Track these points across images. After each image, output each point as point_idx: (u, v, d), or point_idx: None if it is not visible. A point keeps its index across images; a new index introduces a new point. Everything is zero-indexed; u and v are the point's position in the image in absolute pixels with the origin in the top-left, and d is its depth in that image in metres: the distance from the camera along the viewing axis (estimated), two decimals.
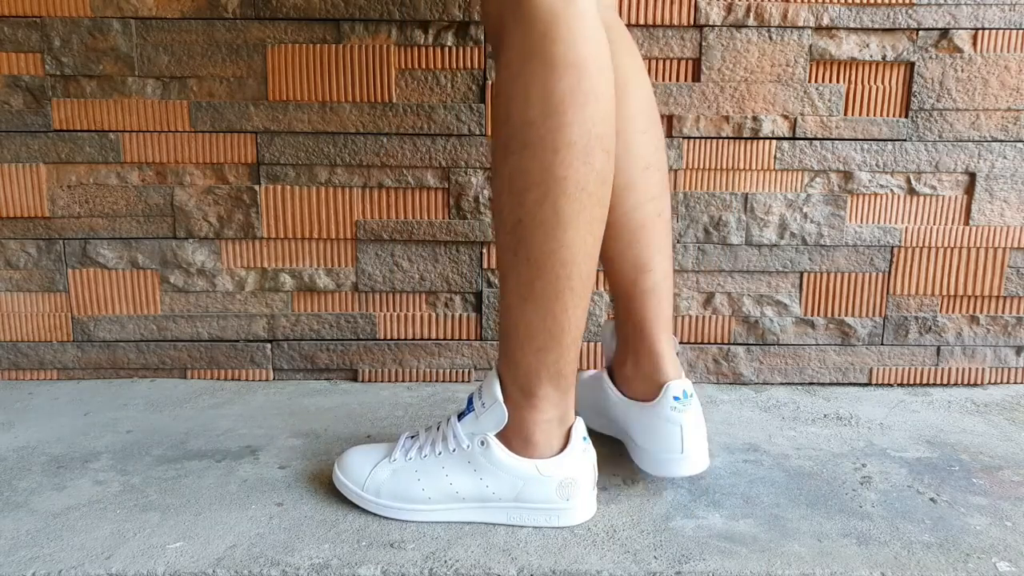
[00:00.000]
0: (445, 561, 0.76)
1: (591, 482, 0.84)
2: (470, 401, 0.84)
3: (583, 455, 0.83)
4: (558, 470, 0.81)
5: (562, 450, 0.82)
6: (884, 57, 1.18)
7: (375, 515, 0.84)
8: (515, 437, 0.81)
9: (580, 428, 0.84)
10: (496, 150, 0.77)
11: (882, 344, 1.27)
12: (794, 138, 1.21)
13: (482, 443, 0.81)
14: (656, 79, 1.19)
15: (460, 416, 0.84)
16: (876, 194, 1.23)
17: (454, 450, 0.83)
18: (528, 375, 0.80)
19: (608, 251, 0.91)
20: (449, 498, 0.82)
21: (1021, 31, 1.17)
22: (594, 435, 0.92)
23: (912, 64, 1.19)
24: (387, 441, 1.04)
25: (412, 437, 0.87)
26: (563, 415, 0.83)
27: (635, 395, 0.93)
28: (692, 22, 1.17)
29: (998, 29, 1.17)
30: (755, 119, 1.20)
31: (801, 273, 1.25)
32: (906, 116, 1.20)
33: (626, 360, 0.96)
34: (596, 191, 0.75)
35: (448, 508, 0.83)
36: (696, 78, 1.19)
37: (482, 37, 1.18)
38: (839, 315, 1.26)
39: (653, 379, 0.91)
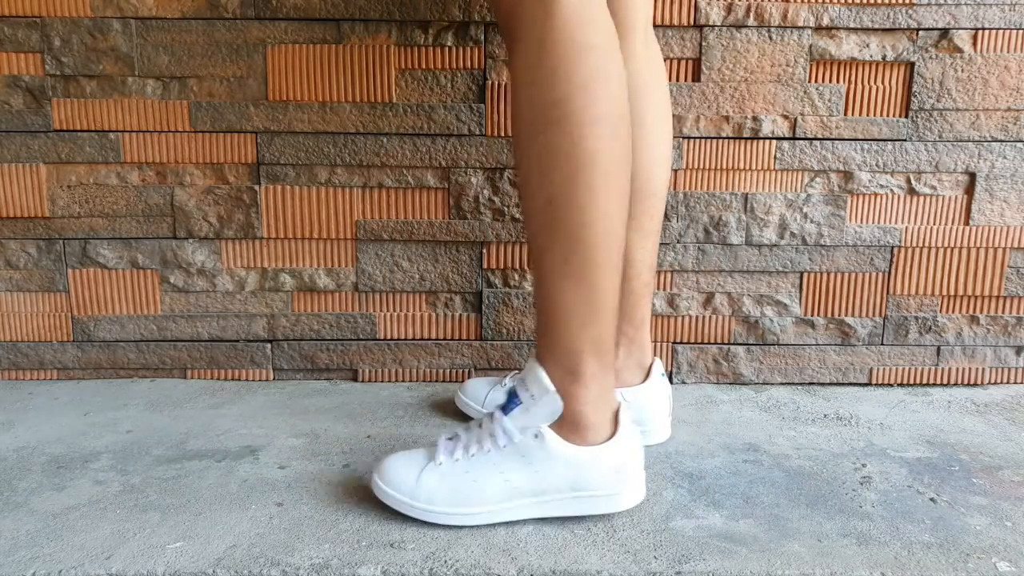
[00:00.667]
0: (445, 561, 0.76)
1: (641, 463, 0.84)
2: (512, 395, 0.82)
3: (633, 437, 0.83)
4: (613, 455, 0.82)
5: (613, 434, 0.82)
6: (884, 57, 1.18)
7: (421, 521, 0.81)
8: (565, 423, 0.81)
9: (626, 410, 0.84)
10: (521, 134, 0.78)
11: (882, 344, 1.27)
12: (794, 138, 1.21)
13: (535, 435, 0.80)
14: None
15: (504, 410, 0.82)
16: (876, 194, 1.23)
17: (504, 446, 0.81)
18: (573, 354, 0.80)
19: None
20: (506, 495, 0.81)
21: (1021, 31, 1.17)
22: None
23: (912, 64, 1.19)
24: (386, 439, 1.04)
25: (451, 439, 0.85)
26: (607, 393, 0.83)
27: (625, 383, 1.00)
28: (692, 22, 1.17)
29: (998, 29, 1.17)
30: (755, 119, 1.20)
31: (801, 273, 1.25)
32: (906, 116, 1.20)
33: (618, 354, 0.98)
34: (623, 164, 0.78)
35: (506, 507, 0.81)
36: (696, 78, 1.19)
37: (482, 37, 1.18)
38: (839, 315, 1.26)
39: (642, 363, 1.03)
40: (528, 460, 0.80)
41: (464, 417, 1.11)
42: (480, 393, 1.10)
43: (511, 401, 0.82)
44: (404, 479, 0.82)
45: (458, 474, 0.81)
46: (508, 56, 0.81)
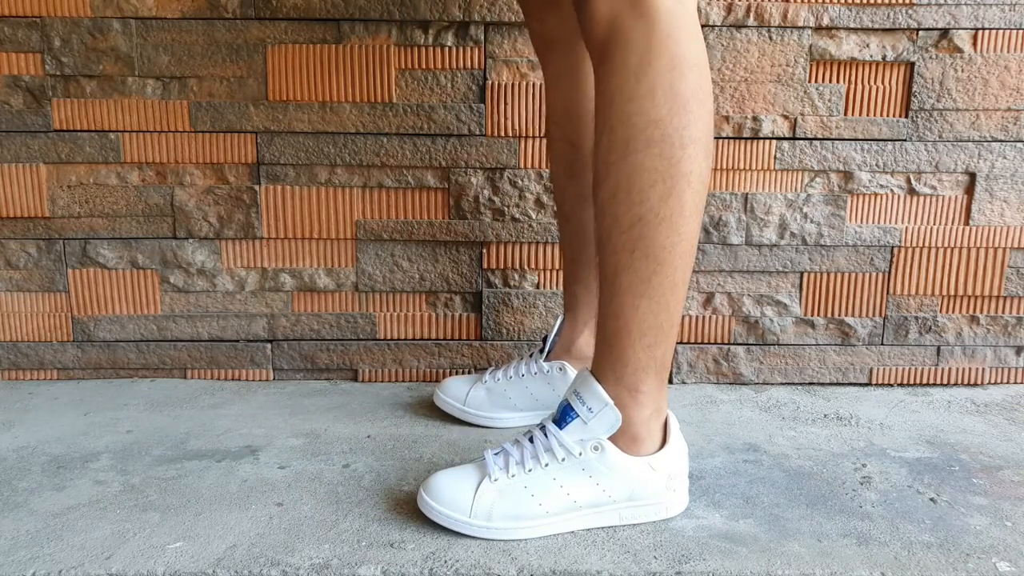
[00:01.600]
0: (445, 561, 0.76)
1: (687, 470, 0.86)
2: (567, 408, 0.82)
3: (682, 445, 0.85)
4: (667, 464, 0.82)
5: (663, 443, 0.83)
6: (884, 57, 1.18)
7: (469, 536, 0.80)
8: (621, 436, 0.81)
9: (674, 419, 0.85)
10: (612, 150, 0.77)
11: (882, 344, 1.27)
12: (794, 138, 1.21)
13: (595, 448, 0.80)
14: None
15: (559, 424, 0.82)
16: (876, 194, 1.23)
17: (564, 459, 0.81)
18: (636, 372, 0.80)
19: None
20: (567, 508, 0.81)
21: (1021, 31, 1.17)
22: None
23: (912, 64, 1.19)
24: (386, 439, 1.04)
25: (497, 453, 0.85)
26: (660, 407, 0.83)
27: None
28: None
29: (998, 29, 1.17)
30: (755, 119, 1.20)
31: (801, 273, 1.25)
32: (906, 116, 1.20)
33: (584, 333, 1.04)
34: (707, 183, 0.79)
35: (565, 519, 0.81)
36: None
37: (482, 37, 1.18)
38: (839, 315, 1.26)
39: None
40: (589, 473, 0.81)
41: (446, 416, 1.11)
42: (460, 392, 1.10)
43: (566, 415, 0.82)
44: (458, 497, 0.81)
45: (517, 490, 0.81)
46: (598, 71, 0.79)
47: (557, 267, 1.25)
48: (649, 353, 0.80)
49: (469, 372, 1.28)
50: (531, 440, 0.83)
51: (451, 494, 0.81)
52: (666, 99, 0.74)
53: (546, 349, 1.09)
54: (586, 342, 1.06)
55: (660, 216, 0.76)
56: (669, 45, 0.74)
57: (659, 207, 0.76)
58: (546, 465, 0.81)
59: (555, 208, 1.12)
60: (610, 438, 0.81)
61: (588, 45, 0.80)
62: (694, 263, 1.22)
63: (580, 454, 0.80)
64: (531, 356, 1.11)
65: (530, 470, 0.81)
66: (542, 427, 0.83)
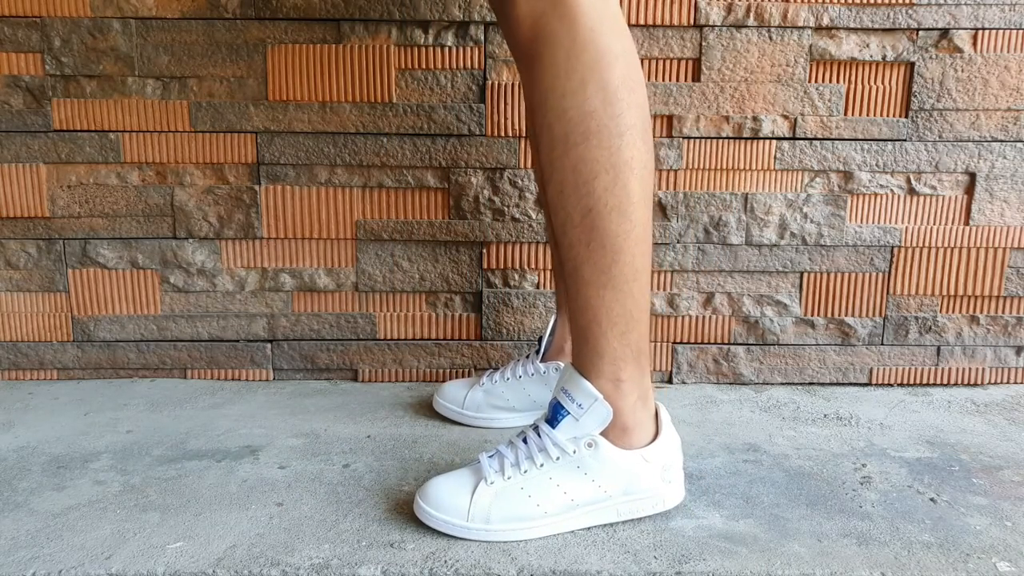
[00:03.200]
0: (445, 561, 0.76)
1: (681, 461, 0.86)
2: (558, 407, 0.82)
3: (675, 436, 0.85)
4: (661, 456, 0.83)
5: (656, 434, 0.83)
6: (884, 57, 1.18)
7: (467, 540, 0.80)
8: (611, 428, 0.81)
9: (665, 411, 0.86)
10: (553, 146, 0.78)
11: (882, 344, 1.27)
12: (794, 138, 1.21)
13: (589, 445, 0.81)
14: (656, 79, 1.19)
15: (551, 423, 0.82)
16: (876, 194, 1.23)
17: (558, 459, 0.81)
18: (615, 362, 0.81)
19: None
20: (565, 508, 0.81)
21: (1021, 31, 1.17)
22: None
23: (912, 64, 1.19)
24: (386, 439, 1.04)
25: (492, 456, 0.84)
26: (644, 394, 0.83)
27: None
28: (692, 22, 1.17)
29: (998, 29, 1.17)
30: (755, 119, 1.20)
31: (801, 273, 1.25)
32: (906, 116, 1.20)
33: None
34: (651, 168, 0.80)
35: (564, 518, 0.81)
36: (696, 78, 1.19)
37: (482, 37, 1.18)
38: (839, 315, 1.26)
39: None
40: (584, 470, 0.81)
41: (446, 417, 1.11)
42: (459, 395, 1.11)
43: (557, 413, 0.82)
44: (455, 502, 0.80)
45: (513, 492, 0.81)
46: (527, 73, 0.81)
47: None
48: (623, 341, 0.80)
49: (469, 372, 1.28)
50: (525, 441, 0.83)
51: (448, 499, 0.81)
52: (597, 91, 0.76)
53: (541, 350, 1.09)
54: None
55: (609, 206, 0.77)
56: (594, 38, 0.76)
57: (606, 197, 0.77)
58: (541, 465, 0.81)
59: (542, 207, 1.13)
60: (602, 432, 0.81)
61: (514, 49, 0.83)
62: (693, 263, 1.24)
63: (574, 452, 0.81)
64: (527, 357, 1.11)
65: (525, 471, 0.81)
66: (535, 427, 0.83)
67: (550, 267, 1.25)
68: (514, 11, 0.80)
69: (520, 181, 1.22)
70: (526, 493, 0.80)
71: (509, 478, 0.81)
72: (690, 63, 1.19)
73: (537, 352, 1.09)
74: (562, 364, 1.06)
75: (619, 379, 0.81)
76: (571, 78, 0.76)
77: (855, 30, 1.17)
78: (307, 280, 1.25)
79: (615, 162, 0.76)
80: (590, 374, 0.81)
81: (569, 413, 0.81)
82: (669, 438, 0.84)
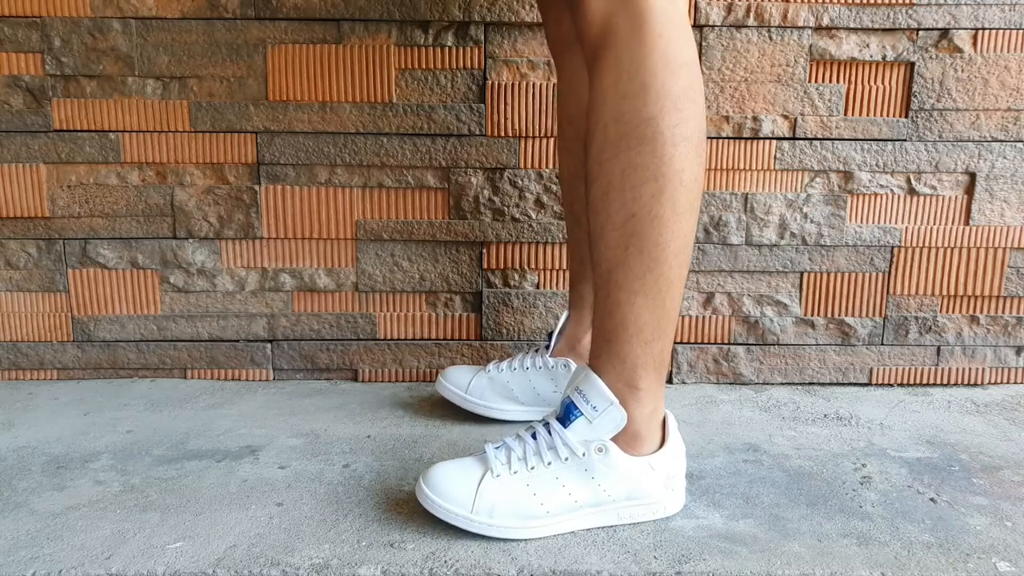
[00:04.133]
0: (445, 561, 0.76)
1: (684, 468, 0.86)
2: (571, 406, 0.81)
3: (680, 444, 0.85)
4: (666, 464, 0.82)
5: (663, 442, 0.83)
6: (884, 57, 1.18)
7: (467, 530, 0.79)
8: (623, 435, 0.81)
9: (672, 419, 0.85)
10: (604, 148, 0.77)
11: (882, 344, 1.27)
12: (794, 138, 1.21)
13: (599, 449, 0.80)
14: None
15: (563, 422, 0.81)
16: (876, 194, 1.23)
17: (567, 459, 0.80)
18: (635, 369, 0.80)
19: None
20: (568, 508, 0.80)
21: (1021, 31, 1.17)
22: None
23: (912, 64, 1.19)
24: (386, 439, 1.04)
25: (498, 447, 0.84)
26: (658, 405, 0.83)
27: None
28: (692, 22, 1.17)
29: (998, 29, 1.17)
30: (755, 119, 1.20)
31: (801, 273, 1.25)
32: (906, 116, 1.20)
33: (590, 332, 0.99)
34: (700, 182, 0.79)
35: (566, 519, 0.81)
36: None
37: (482, 37, 1.18)
38: (839, 315, 1.26)
39: None
40: (591, 474, 0.81)
41: (446, 416, 1.11)
42: (463, 380, 1.10)
43: (570, 413, 0.81)
44: (460, 492, 0.80)
45: (519, 488, 0.80)
46: (591, 70, 0.80)
47: (557, 267, 1.25)
48: (647, 350, 0.80)
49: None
50: (533, 436, 0.83)
51: (453, 488, 0.80)
52: (658, 97, 0.75)
53: (551, 345, 1.09)
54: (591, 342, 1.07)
55: (652, 214, 0.76)
56: (660, 44, 0.75)
57: (651, 204, 0.76)
58: (549, 463, 0.81)
59: (562, 209, 1.12)
60: (612, 438, 0.80)
61: (582, 44, 0.81)
62: (693, 263, 1.24)
63: (584, 454, 0.80)
64: (536, 351, 1.11)
65: (532, 467, 0.81)
66: (546, 424, 0.83)
67: (551, 267, 1.25)
68: (585, 7, 0.78)
69: (520, 181, 1.22)
70: (531, 491, 0.80)
71: (515, 472, 0.81)
72: None
73: (547, 347, 1.09)
74: (571, 361, 1.06)
75: (637, 387, 0.81)
76: (633, 81, 0.75)
77: (855, 30, 1.17)
78: (307, 280, 1.25)
79: (665, 171, 0.76)
80: (608, 378, 0.81)
81: (582, 414, 0.81)
82: (675, 446, 0.84)
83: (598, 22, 0.77)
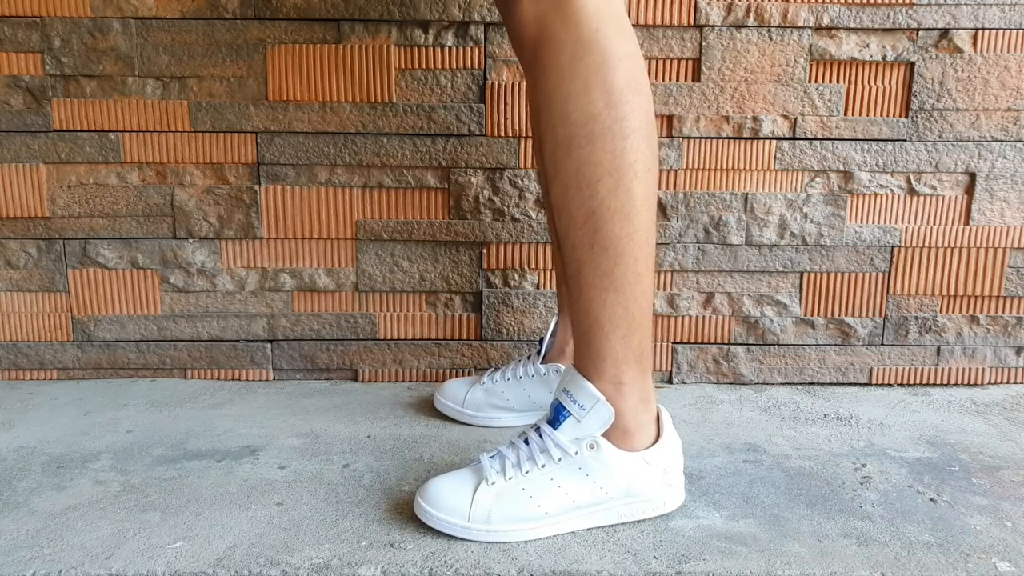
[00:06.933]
0: (445, 561, 0.76)
1: (682, 464, 0.86)
2: (560, 408, 0.82)
3: (676, 439, 0.85)
4: (662, 458, 0.83)
5: (658, 437, 0.83)
6: (884, 57, 1.18)
7: (457, 537, 0.79)
8: (613, 431, 0.81)
9: (667, 414, 0.85)
10: (556, 149, 0.78)
11: (882, 344, 1.27)
12: (794, 138, 1.21)
13: (591, 446, 0.80)
14: (656, 79, 1.19)
15: (553, 424, 0.82)
16: (876, 194, 1.23)
17: (560, 459, 0.81)
18: (616, 364, 0.81)
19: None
20: (565, 509, 0.81)
21: (1021, 31, 1.17)
22: None
23: (912, 64, 1.19)
24: (386, 439, 1.04)
25: (493, 456, 0.84)
26: (646, 397, 0.83)
27: None
28: (692, 22, 1.17)
29: (998, 29, 1.17)
30: (755, 119, 1.20)
31: (801, 273, 1.25)
32: (906, 116, 1.20)
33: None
34: (655, 171, 0.79)
35: (564, 519, 0.81)
36: (696, 78, 1.19)
37: (482, 37, 1.18)
38: (839, 315, 1.26)
39: None
40: (586, 472, 0.81)
41: (446, 416, 1.11)
42: (459, 394, 1.11)
43: (559, 414, 0.82)
44: (456, 502, 0.80)
45: (514, 493, 0.80)
46: (531, 75, 0.80)
47: None
48: (625, 344, 0.80)
49: (469, 372, 1.28)
50: (526, 442, 0.83)
51: (448, 500, 0.80)
52: (601, 93, 0.75)
53: (542, 351, 1.09)
54: None
55: (612, 208, 0.77)
56: (598, 39, 0.75)
57: (609, 199, 0.77)
58: (543, 466, 0.81)
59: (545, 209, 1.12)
60: (603, 434, 0.81)
61: (519, 49, 0.82)
62: (693, 263, 1.24)
63: (576, 453, 0.80)
64: (528, 358, 1.11)
65: (527, 472, 0.81)
66: (536, 428, 0.83)
67: (551, 267, 1.25)
68: (518, 13, 0.79)
69: (520, 181, 1.22)
70: (527, 494, 0.80)
71: (510, 478, 0.81)
72: (690, 63, 1.19)
73: (538, 353, 1.09)
74: (562, 366, 1.06)
75: (621, 382, 0.81)
76: (575, 80, 0.76)
77: (855, 30, 1.17)
78: (307, 280, 1.25)
79: (619, 165, 0.76)
80: (592, 376, 0.81)
81: (571, 414, 0.81)
82: (670, 441, 0.84)
83: (532, 26, 0.78)
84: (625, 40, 0.77)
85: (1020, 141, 1.21)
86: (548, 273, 1.25)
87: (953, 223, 1.24)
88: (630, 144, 0.76)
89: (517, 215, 1.23)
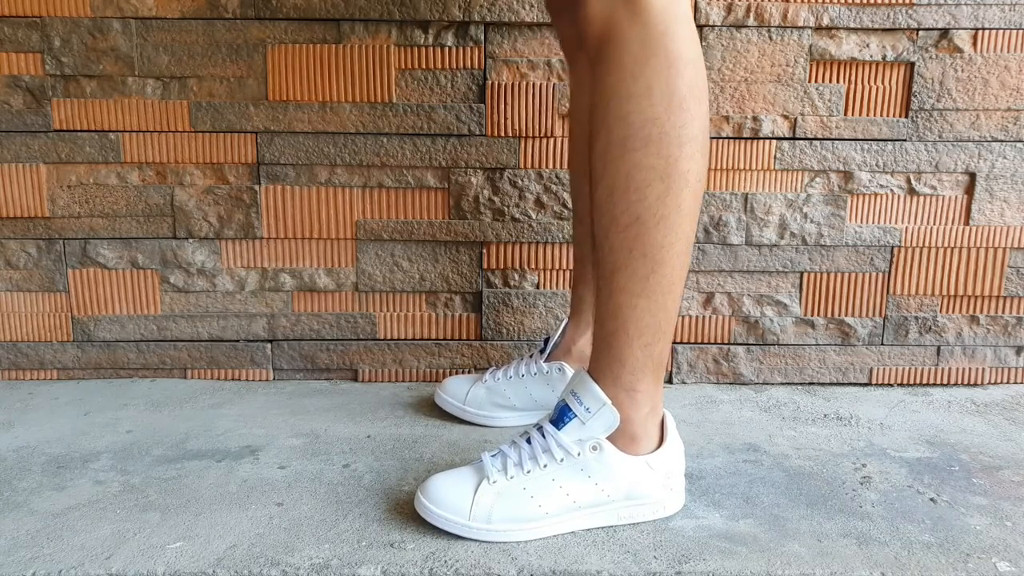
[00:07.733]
0: (445, 561, 0.76)
1: (683, 468, 0.86)
2: (564, 409, 0.82)
3: (679, 444, 0.85)
4: (665, 463, 0.82)
5: (661, 442, 0.83)
6: (884, 57, 1.18)
7: (466, 538, 0.79)
8: (619, 436, 0.81)
9: (671, 419, 0.85)
10: (609, 148, 0.76)
11: (882, 344, 1.27)
12: (794, 138, 1.21)
13: (593, 448, 0.80)
14: None
15: (557, 424, 0.82)
16: (876, 194, 1.23)
17: (562, 460, 0.80)
18: (634, 372, 0.80)
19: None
20: (566, 509, 0.80)
21: (1021, 31, 1.17)
22: None
23: (912, 64, 1.19)
24: (386, 439, 1.04)
25: (495, 455, 0.84)
26: (656, 406, 0.83)
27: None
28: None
29: (998, 29, 1.17)
30: (755, 119, 1.20)
31: (801, 273, 1.25)
32: (906, 116, 1.20)
33: (587, 334, 1.02)
34: (704, 182, 0.79)
35: (564, 519, 0.81)
36: None
37: (482, 37, 1.18)
38: (839, 315, 1.26)
39: None
40: (587, 473, 0.80)
41: (446, 416, 1.11)
42: (460, 391, 1.11)
43: (563, 415, 0.81)
44: (457, 501, 0.80)
45: (515, 492, 0.80)
46: (594, 71, 0.78)
47: (557, 267, 1.25)
48: (646, 352, 0.80)
49: (469, 372, 1.28)
50: (528, 441, 0.83)
51: (449, 497, 0.80)
52: (663, 97, 0.74)
53: (547, 350, 1.09)
54: (587, 344, 1.06)
55: (658, 215, 0.76)
56: (665, 43, 0.73)
57: (657, 206, 0.75)
58: (544, 466, 0.81)
59: (570, 208, 1.12)
60: (608, 438, 0.80)
61: (584, 44, 0.80)
62: (693, 263, 1.24)
63: (579, 454, 0.80)
64: (531, 356, 1.11)
65: (528, 471, 0.81)
66: (539, 428, 0.83)
67: (551, 267, 1.25)
68: (584, 9, 0.77)
69: (520, 181, 1.22)
70: (528, 493, 0.80)
71: (512, 477, 0.81)
72: None
73: (541, 351, 1.09)
74: (565, 365, 1.06)
75: (635, 389, 0.81)
76: (637, 81, 0.74)
77: (855, 30, 1.17)
78: (307, 280, 1.25)
79: (671, 172, 0.75)
80: (606, 380, 0.81)
81: (576, 416, 0.81)
82: (674, 446, 0.84)
83: (599, 22, 0.76)
84: (691, 44, 0.75)
85: (1020, 141, 1.21)
86: (548, 273, 1.25)
87: (953, 223, 1.24)
88: (685, 152, 0.75)
89: (517, 215, 1.23)
